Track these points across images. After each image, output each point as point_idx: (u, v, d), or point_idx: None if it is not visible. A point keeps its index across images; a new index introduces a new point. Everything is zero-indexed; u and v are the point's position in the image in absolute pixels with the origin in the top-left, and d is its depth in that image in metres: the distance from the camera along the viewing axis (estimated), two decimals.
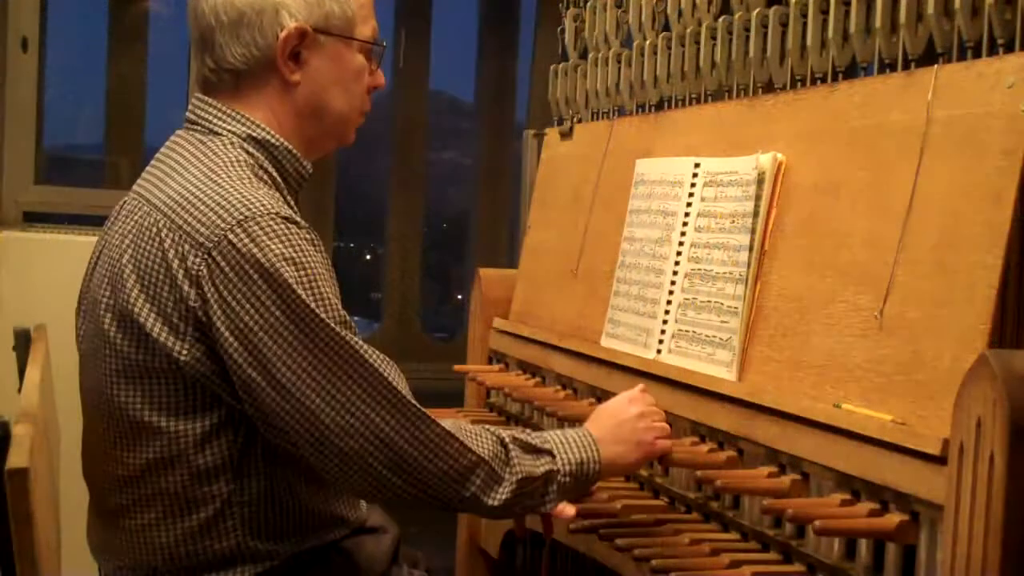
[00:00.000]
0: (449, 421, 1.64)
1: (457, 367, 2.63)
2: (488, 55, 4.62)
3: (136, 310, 1.57)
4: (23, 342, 2.35)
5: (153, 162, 1.72)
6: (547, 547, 2.61)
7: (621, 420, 1.77)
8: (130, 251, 1.60)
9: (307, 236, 1.57)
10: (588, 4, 2.57)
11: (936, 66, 1.58)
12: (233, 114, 1.68)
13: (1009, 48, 1.51)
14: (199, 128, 1.69)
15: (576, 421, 2.13)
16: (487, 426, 1.70)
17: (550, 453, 1.69)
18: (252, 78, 1.68)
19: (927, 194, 1.53)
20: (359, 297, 5.47)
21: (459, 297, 5.26)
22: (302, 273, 1.54)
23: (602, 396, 2.15)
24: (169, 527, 1.63)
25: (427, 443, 1.58)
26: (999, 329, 1.38)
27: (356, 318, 5.55)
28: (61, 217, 3.74)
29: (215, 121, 1.68)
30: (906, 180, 1.56)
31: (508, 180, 4.50)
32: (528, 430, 1.76)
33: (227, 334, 1.52)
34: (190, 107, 1.72)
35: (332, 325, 1.54)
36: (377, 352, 1.60)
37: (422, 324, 4.62)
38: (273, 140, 1.68)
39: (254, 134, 1.67)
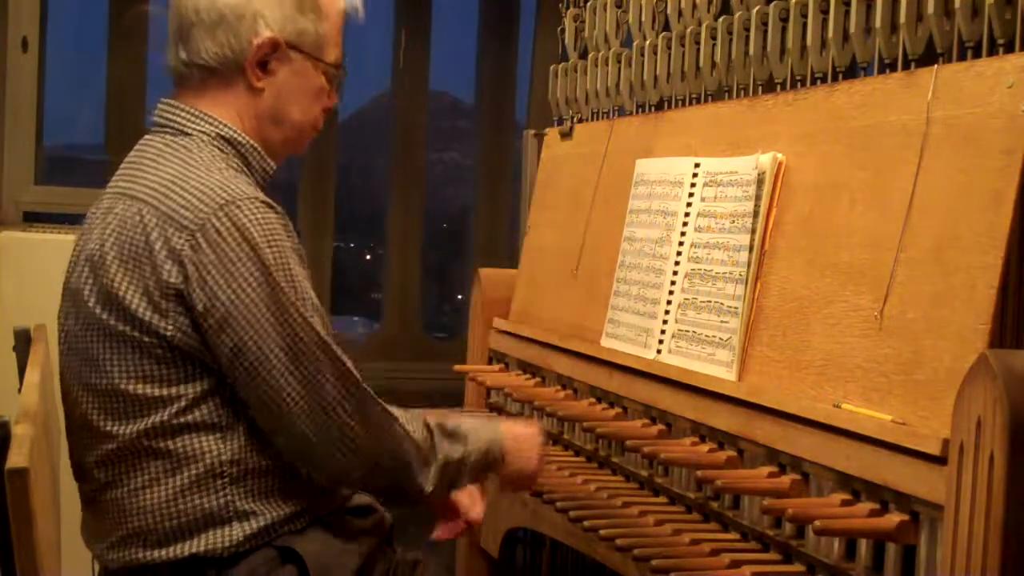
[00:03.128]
0: (396, 409, 1.73)
1: (457, 367, 2.63)
2: (488, 55, 4.60)
3: (120, 292, 1.64)
4: (23, 342, 2.35)
5: (125, 163, 1.77)
6: (547, 547, 2.62)
7: (524, 434, 1.87)
8: (112, 239, 1.67)
9: (282, 222, 1.67)
10: (588, 4, 2.58)
11: (936, 66, 1.58)
12: (200, 115, 1.75)
13: (1009, 48, 1.51)
14: (169, 130, 1.76)
15: (576, 421, 2.14)
16: (410, 409, 1.77)
17: (465, 438, 1.78)
18: (220, 77, 1.76)
19: (927, 194, 1.53)
20: (359, 297, 5.46)
21: (459, 297, 5.25)
22: (278, 257, 1.63)
23: (602, 396, 2.15)
24: (159, 487, 1.67)
25: (375, 426, 1.68)
26: (999, 329, 1.39)
27: (356, 318, 5.49)
28: (61, 217, 3.74)
29: (184, 122, 1.75)
30: (906, 180, 1.56)
31: (508, 180, 4.48)
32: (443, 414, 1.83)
33: (204, 311, 1.60)
34: (156, 111, 1.79)
35: (303, 310, 1.63)
36: (339, 342, 1.69)
37: (422, 324, 4.61)
38: (240, 138, 1.76)
39: (223, 133, 1.75)
